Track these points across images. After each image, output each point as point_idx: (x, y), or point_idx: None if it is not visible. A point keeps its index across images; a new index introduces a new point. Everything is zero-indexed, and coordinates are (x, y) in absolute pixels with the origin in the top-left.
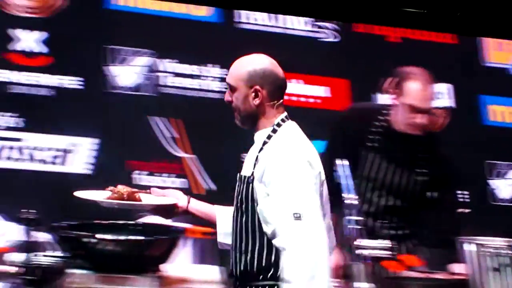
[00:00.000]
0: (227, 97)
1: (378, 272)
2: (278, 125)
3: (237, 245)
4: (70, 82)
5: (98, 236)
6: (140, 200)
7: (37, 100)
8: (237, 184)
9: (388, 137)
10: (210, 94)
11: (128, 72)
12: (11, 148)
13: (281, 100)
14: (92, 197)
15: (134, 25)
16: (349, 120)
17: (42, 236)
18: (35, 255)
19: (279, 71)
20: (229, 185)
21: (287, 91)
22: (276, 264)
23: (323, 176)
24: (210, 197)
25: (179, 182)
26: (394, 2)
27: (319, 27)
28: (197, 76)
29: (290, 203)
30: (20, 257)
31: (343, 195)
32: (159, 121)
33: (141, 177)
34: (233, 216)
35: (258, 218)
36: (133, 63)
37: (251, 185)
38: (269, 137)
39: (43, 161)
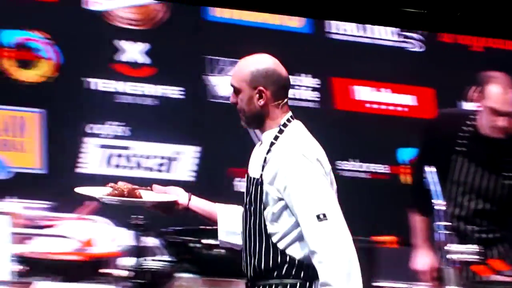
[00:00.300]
0: (232, 99)
1: (468, 276)
2: (284, 125)
3: (247, 247)
4: (173, 92)
5: (204, 241)
6: (140, 197)
7: (142, 110)
8: (246, 185)
9: (475, 141)
10: (303, 103)
11: (226, 82)
12: (119, 156)
13: (286, 100)
14: (93, 193)
15: (231, 35)
16: (439, 126)
17: (151, 241)
18: (145, 260)
19: (282, 70)
20: None
21: (376, 99)
22: (283, 264)
23: (332, 175)
24: None
25: None
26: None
27: (406, 37)
28: (290, 86)
29: (311, 206)
30: (130, 261)
31: (432, 201)
32: (257, 130)
33: (242, 184)
34: (243, 218)
35: (265, 220)
36: (230, 73)
37: (259, 187)
38: (276, 138)
39: (150, 169)
